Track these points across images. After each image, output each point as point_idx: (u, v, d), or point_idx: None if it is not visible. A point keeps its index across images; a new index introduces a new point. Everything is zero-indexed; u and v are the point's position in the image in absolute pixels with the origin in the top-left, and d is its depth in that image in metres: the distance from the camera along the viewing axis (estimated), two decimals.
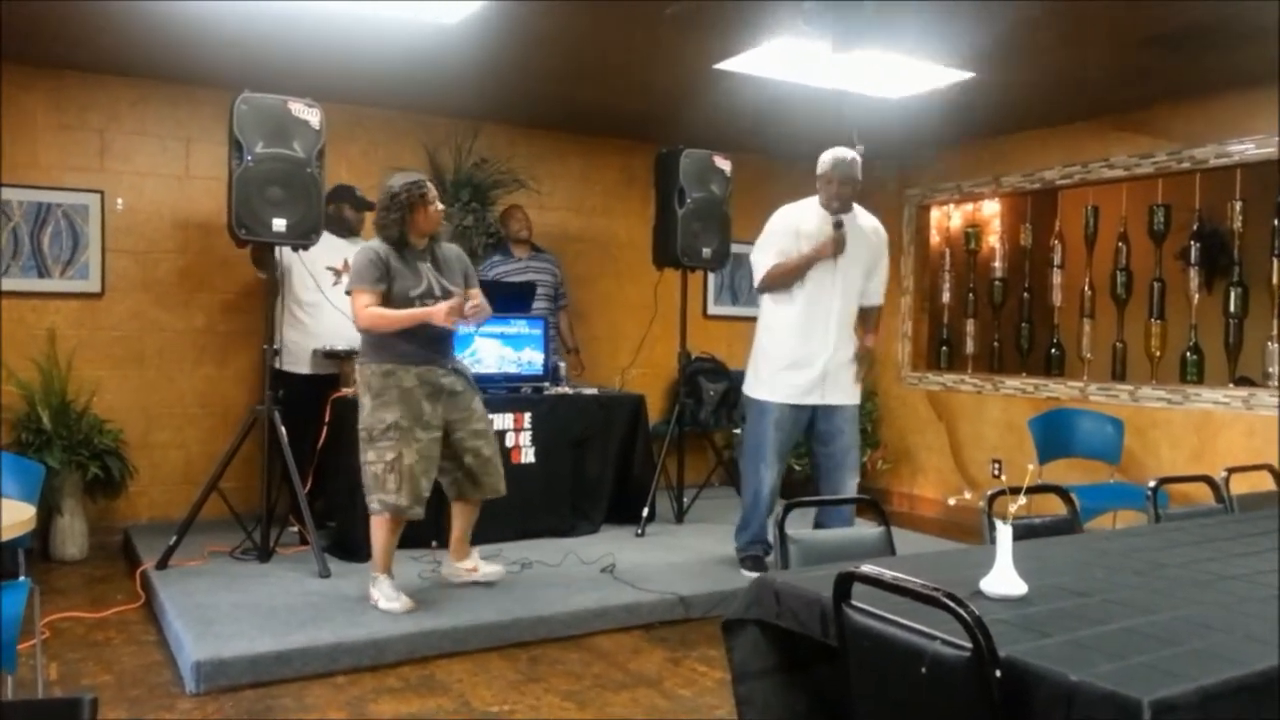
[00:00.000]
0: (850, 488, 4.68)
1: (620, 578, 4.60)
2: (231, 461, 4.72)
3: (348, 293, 4.06)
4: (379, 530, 4.07)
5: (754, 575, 4.53)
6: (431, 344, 4.05)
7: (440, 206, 4.15)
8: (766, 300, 4.75)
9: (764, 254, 4.66)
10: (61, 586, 4.68)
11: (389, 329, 3.94)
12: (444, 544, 4.90)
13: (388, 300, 3.97)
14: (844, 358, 4.66)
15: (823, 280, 4.59)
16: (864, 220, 4.72)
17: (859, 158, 4.60)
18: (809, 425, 4.69)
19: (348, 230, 5.41)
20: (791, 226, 4.63)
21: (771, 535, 4.69)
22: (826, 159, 4.61)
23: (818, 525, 4.77)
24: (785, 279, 4.60)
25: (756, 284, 4.72)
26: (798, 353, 4.60)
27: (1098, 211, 6.33)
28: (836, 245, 4.53)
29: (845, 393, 4.68)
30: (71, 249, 5.44)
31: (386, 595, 4.05)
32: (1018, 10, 4.14)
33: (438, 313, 3.92)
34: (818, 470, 4.78)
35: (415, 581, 4.39)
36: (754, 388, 4.75)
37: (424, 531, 4.78)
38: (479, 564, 4.45)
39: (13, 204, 5.30)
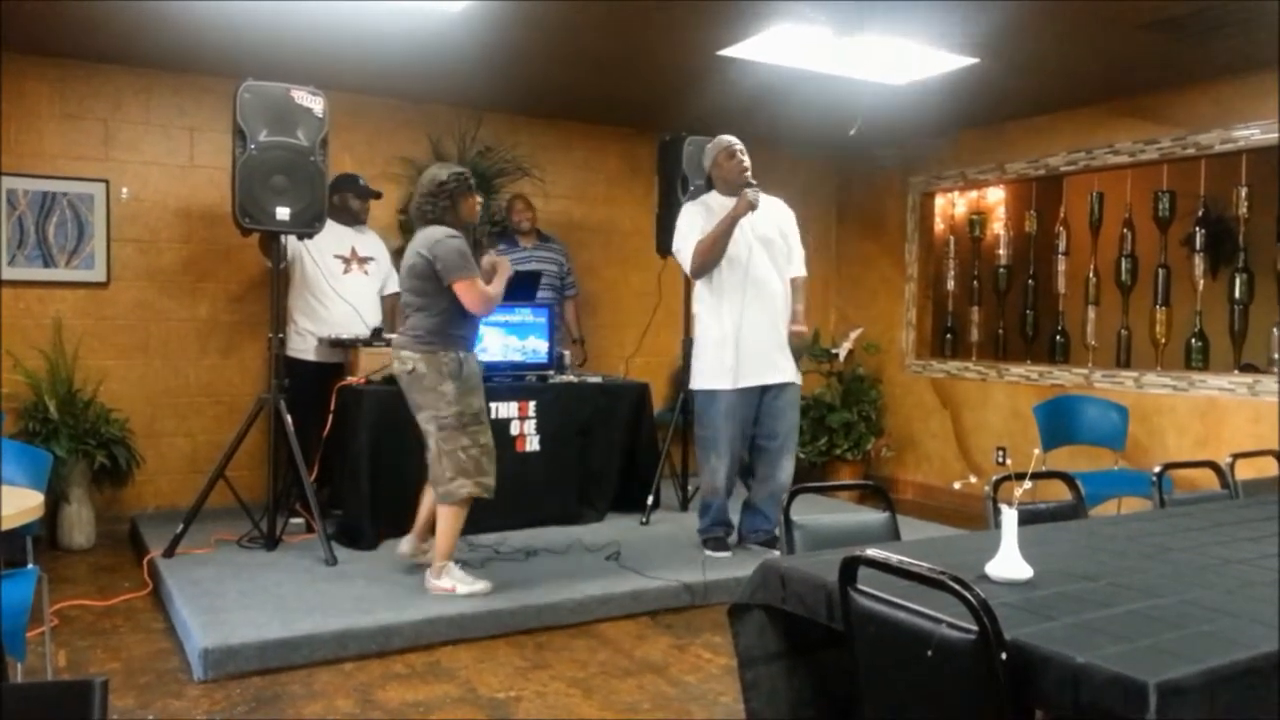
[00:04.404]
0: (788, 471, 4.70)
1: (625, 565, 4.61)
2: (238, 450, 4.74)
3: (449, 284, 3.94)
4: (457, 518, 4.11)
5: (719, 555, 4.70)
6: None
7: (480, 199, 4.26)
8: (698, 290, 4.77)
9: (687, 239, 4.66)
10: (69, 575, 4.71)
11: (496, 304, 4.09)
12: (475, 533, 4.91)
13: None
14: (778, 337, 4.67)
15: (737, 261, 4.60)
16: (765, 198, 4.68)
17: None
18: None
19: (353, 219, 5.41)
20: (701, 209, 4.70)
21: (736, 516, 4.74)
22: (719, 143, 4.69)
23: (747, 506, 4.87)
24: (714, 251, 4.57)
25: (690, 269, 4.69)
26: (733, 337, 4.61)
27: (1102, 198, 6.32)
28: (750, 202, 4.51)
29: (784, 371, 4.69)
30: (77, 238, 5.45)
31: (464, 580, 4.12)
32: None
33: (508, 269, 4.15)
34: (756, 453, 4.77)
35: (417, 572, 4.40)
36: (700, 379, 4.73)
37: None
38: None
39: (18, 193, 5.31)
